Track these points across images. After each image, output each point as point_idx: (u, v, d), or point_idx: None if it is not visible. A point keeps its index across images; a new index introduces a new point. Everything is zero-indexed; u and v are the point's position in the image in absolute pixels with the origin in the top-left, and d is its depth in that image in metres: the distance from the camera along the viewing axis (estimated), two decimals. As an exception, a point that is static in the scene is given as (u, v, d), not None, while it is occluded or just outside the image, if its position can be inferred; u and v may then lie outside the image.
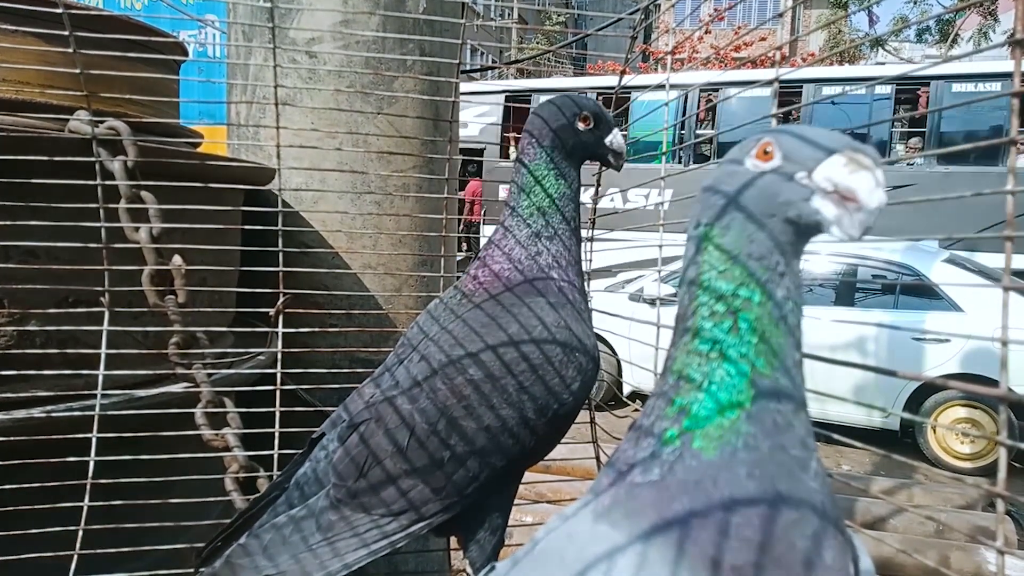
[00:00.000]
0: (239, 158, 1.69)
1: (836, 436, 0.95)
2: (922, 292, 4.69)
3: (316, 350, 1.54)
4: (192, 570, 0.97)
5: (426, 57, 1.64)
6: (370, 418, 0.93)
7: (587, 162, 1.08)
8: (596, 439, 1.63)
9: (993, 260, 5.62)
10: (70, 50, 1.14)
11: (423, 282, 1.69)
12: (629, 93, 1.68)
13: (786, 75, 7.31)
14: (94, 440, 1.11)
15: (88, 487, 1.11)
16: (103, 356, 1.16)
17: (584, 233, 1.21)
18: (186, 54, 1.68)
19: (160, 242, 1.15)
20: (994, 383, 0.64)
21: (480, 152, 9.02)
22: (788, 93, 7.44)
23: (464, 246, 9.91)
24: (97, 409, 1.11)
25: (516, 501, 1.06)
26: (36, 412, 1.07)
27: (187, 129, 1.65)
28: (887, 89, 7.21)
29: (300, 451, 1.03)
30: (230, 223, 1.45)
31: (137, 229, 1.15)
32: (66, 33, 1.13)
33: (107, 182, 1.15)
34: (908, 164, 7.07)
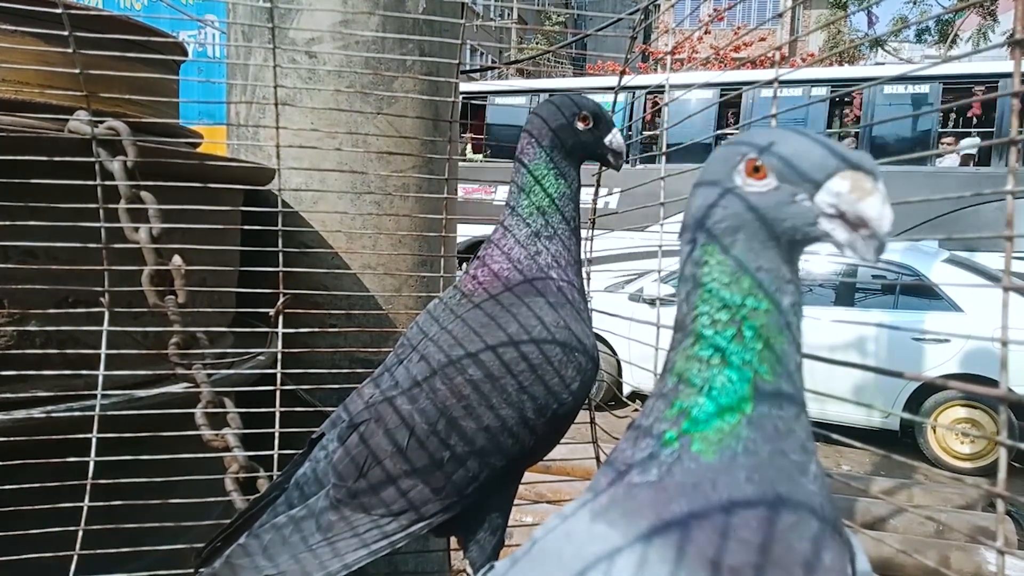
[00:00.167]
0: (239, 158, 1.69)
1: (836, 436, 0.95)
2: (922, 292, 4.69)
3: (316, 350, 1.54)
4: (192, 570, 0.97)
5: (426, 57, 1.64)
6: (370, 418, 0.93)
7: (587, 162, 1.08)
8: (596, 439, 1.63)
9: (988, 260, 5.64)
10: (70, 50, 1.14)
11: (423, 282, 1.69)
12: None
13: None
14: (94, 440, 1.11)
15: (88, 487, 1.11)
16: (103, 356, 1.16)
17: (583, 233, 1.21)
18: (186, 54, 1.68)
19: (160, 242, 1.15)
20: (994, 383, 0.63)
21: None
22: (732, 97, 7.53)
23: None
24: (97, 409, 1.11)
25: (516, 501, 1.06)
26: (36, 412, 1.07)
27: (187, 129, 1.65)
28: (823, 91, 7.31)
29: (300, 451, 1.03)
30: (230, 223, 1.44)
31: (137, 229, 1.15)
32: (66, 33, 1.13)
33: (107, 182, 1.15)
34: None
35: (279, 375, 1.30)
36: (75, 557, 1.09)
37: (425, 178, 1.66)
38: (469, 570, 0.98)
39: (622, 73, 1.70)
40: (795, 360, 0.54)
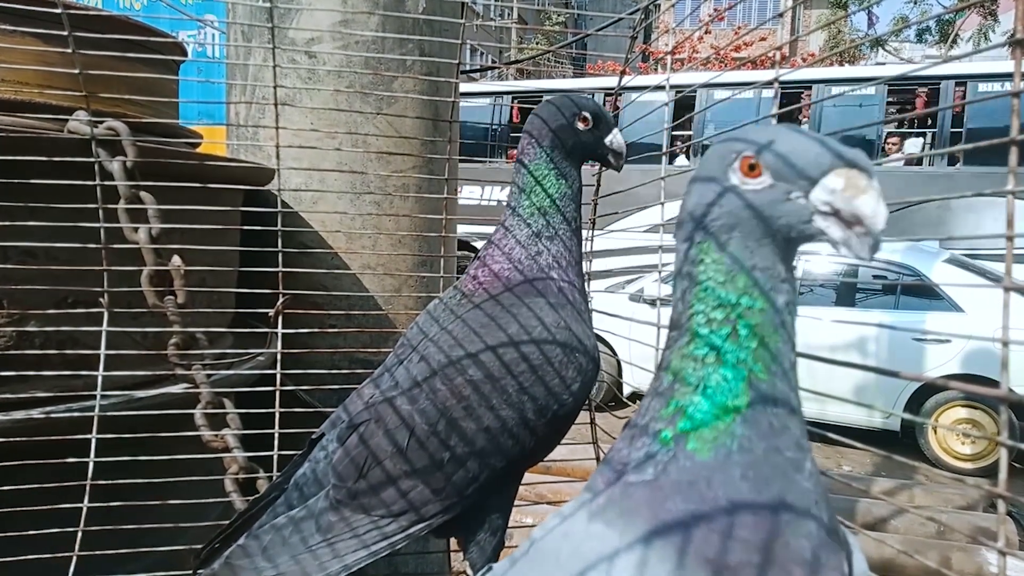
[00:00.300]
0: (238, 158, 1.69)
1: (836, 437, 0.95)
2: (923, 292, 4.69)
3: (315, 351, 1.54)
4: (191, 571, 0.97)
5: (426, 57, 1.64)
6: (369, 419, 0.93)
7: (587, 162, 1.08)
8: (596, 440, 1.63)
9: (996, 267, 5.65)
10: (69, 50, 1.14)
11: (422, 282, 1.69)
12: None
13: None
14: (93, 441, 1.11)
15: (88, 488, 1.11)
16: (102, 357, 1.16)
17: (584, 233, 1.20)
18: (185, 54, 1.68)
19: (159, 242, 1.15)
20: (995, 384, 0.63)
21: None
22: (685, 97, 7.62)
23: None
24: (96, 410, 1.11)
25: (516, 502, 1.05)
26: (35, 413, 1.07)
27: (186, 129, 1.65)
28: (769, 92, 7.41)
29: (299, 452, 1.03)
30: (229, 223, 1.44)
31: (136, 229, 1.15)
32: (65, 33, 1.12)
33: (106, 182, 1.15)
34: None
35: (279, 376, 1.30)
36: (74, 558, 1.09)
37: (425, 178, 1.66)
38: (469, 571, 0.97)
39: (622, 73, 1.69)
40: (789, 359, 0.55)
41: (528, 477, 1.09)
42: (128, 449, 1.10)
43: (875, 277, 4.85)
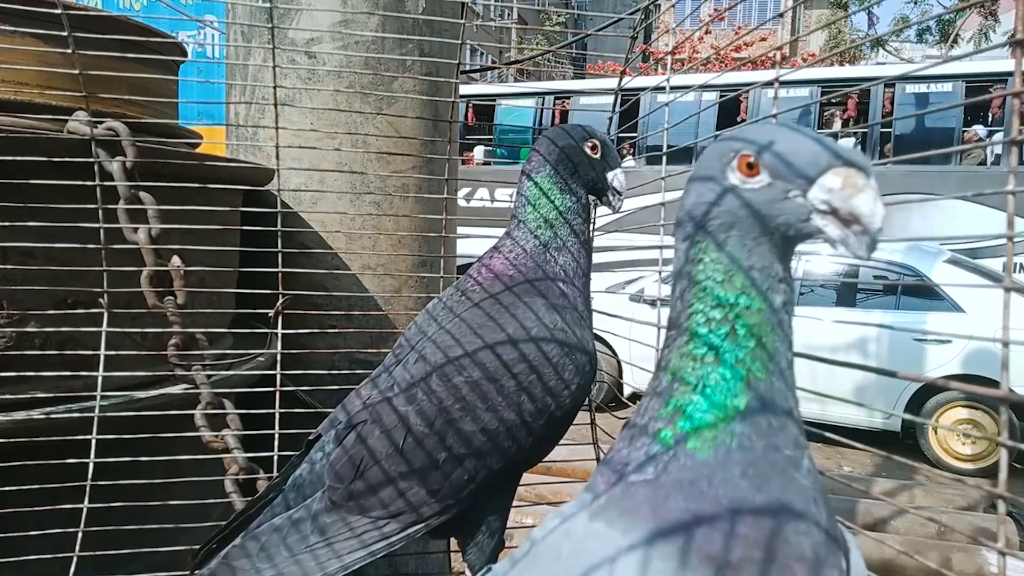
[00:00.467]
0: (238, 159, 1.69)
1: (836, 437, 0.95)
2: (923, 293, 4.69)
3: (315, 351, 1.54)
4: (189, 572, 0.97)
5: (426, 57, 1.64)
6: (367, 419, 0.93)
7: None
8: (596, 440, 1.63)
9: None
10: (69, 51, 1.14)
11: (422, 283, 1.69)
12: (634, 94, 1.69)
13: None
14: (93, 442, 1.11)
15: (88, 489, 1.11)
16: (102, 357, 1.16)
17: None
18: (185, 55, 1.68)
19: (159, 243, 1.15)
20: (995, 384, 0.63)
21: None
22: (628, 100, 7.76)
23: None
24: (96, 411, 1.11)
25: (517, 503, 1.05)
26: (35, 414, 1.07)
27: (186, 130, 1.65)
28: (712, 95, 7.57)
29: (298, 452, 1.02)
30: (229, 224, 1.44)
31: (136, 230, 1.15)
32: (65, 34, 1.13)
33: (106, 183, 1.15)
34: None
35: (279, 376, 1.30)
36: (75, 558, 1.09)
37: (425, 178, 1.66)
38: (468, 572, 0.97)
39: (622, 73, 1.69)
40: (787, 357, 0.55)
41: (528, 477, 1.09)
42: (128, 450, 1.10)
43: (876, 277, 4.85)
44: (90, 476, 1.11)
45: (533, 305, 0.95)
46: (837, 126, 7.96)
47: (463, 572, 1.01)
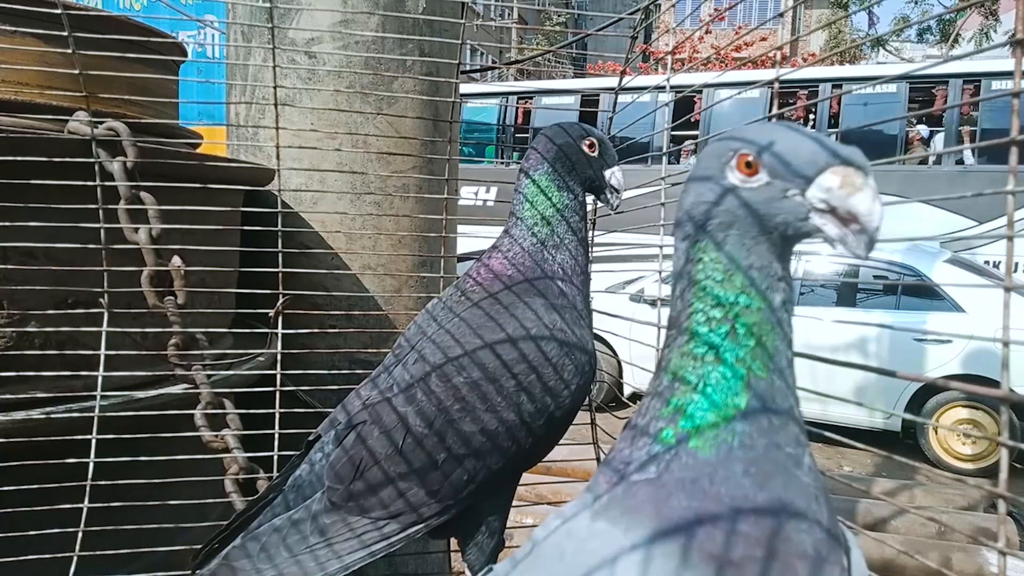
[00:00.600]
0: (238, 159, 1.69)
1: (837, 437, 0.95)
2: (924, 293, 4.69)
3: (315, 351, 1.54)
4: (189, 572, 0.97)
5: (426, 57, 1.64)
6: (367, 419, 0.93)
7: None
8: (596, 440, 1.63)
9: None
10: (69, 51, 1.14)
11: (422, 283, 1.69)
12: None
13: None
14: (93, 441, 1.11)
15: (88, 488, 1.11)
16: (102, 357, 1.16)
17: None
18: (185, 55, 1.68)
19: (159, 243, 1.15)
20: (996, 384, 0.63)
21: None
22: (590, 102, 8.01)
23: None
24: (96, 410, 1.11)
25: (517, 502, 1.05)
26: (35, 413, 1.07)
27: (186, 130, 1.65)
28: (666, 97, 7.62)
29: (298, 453, 1.02)
30: (229, 224, 1.44)
31: (136, 230, 1.15)
32: (65, 34, 1.13)
33: (106, 183, 1.15)
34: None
35: (279, 376, 1.30)
36: (75, 558, 1.09)
37: (425, 178, 1.66)
38: (468, 572, 0.97)
39: (622, 73, 1.69)
40: (786, 356, 0.55)
41: (528, 477, 1.09)
42: (128, 450, 1.10)
43: (876, 277, 4.85)
44: (90, 476, 1.11)
45: (533, 305, 0.95)
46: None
47: (463, 572, 1.01)
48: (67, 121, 1.18)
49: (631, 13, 1.70)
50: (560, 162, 1.02)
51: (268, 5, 1.35)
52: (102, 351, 1.16)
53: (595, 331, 1.06)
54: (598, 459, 1.62)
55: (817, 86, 7.23)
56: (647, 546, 0.51)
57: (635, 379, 5.05)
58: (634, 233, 1.53)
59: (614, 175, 1.06)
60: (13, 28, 1.21)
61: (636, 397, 5.29)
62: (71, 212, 1.12)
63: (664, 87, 1.44)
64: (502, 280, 0.99)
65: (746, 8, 22.77)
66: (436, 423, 0.89)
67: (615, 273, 5.89)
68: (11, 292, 1.11)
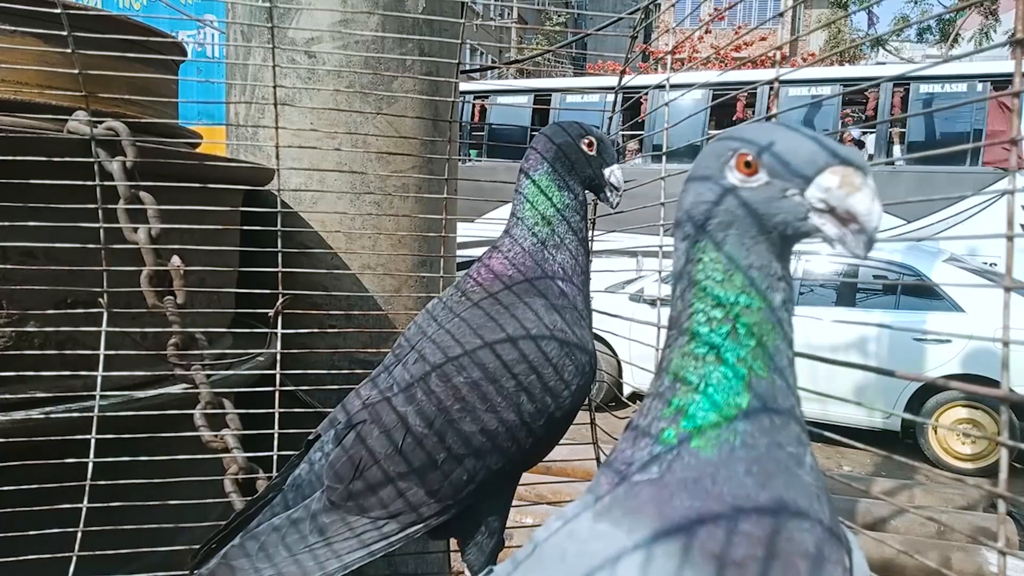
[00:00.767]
0: (238, 158, 1.69)
1: (836, 437, 0.95)
2: (923, 292, 4.69)
3: (315, 351, 1.53)
4: (189, 571, 0.97)
5: (425, 57, 1.64)
6: (367, 419, 0.93)
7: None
8: (596, 440, 1.63)
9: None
10: (69, 50, 1.14)
11: (422, 283, 1.69)
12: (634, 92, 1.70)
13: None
14: (93, 441, 1.11)
15: (87, 488, 1.11)
16: (101, 357, 1.16)
17: None
18: (185, 54, 1.68)
19: (159, 243, 1.15)
20: (995, 384, 0.63)
21: None
22: (542, 100, 8.34)
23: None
24: (96, 410, 1.11)
25: (516, 502, 1.05)
26: (34, 413, 1.07)
27: (186, 129, 1.65)
28: (595, 96, 8.05)
29: (298, 452, 1.02)
30: (229, 223, 1.44)
31: (136, 230, 1.15)
32: (65, 33, 1.12)
33: (106, 182, 1.15)
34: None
35: (278, 376, 1.30)
36: (74, 558, 1.09)
37: (425, 178, 1.66)
38: (468, 572, 0.97)
39: (622, 73, 1.69)
40: (787, 356, 0.55)
41: (528, 477, 1.09)
42: (128, 449, 1.10)
43: (876, 277, 4.85)
44: (89, 476, 1.11)
45: (533, 305, 0.95)
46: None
47: (462, 572, 1.01)
48: (67, 121, 1.18)
49: (631, 13, 1.70)
50: (559, 162, 1.02)
51: (268, 5, 1.35)
52: (101, 351, 1.16)
53: (595, 331, 1.06)
54: (598, 459, 1.61)
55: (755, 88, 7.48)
56: (650, 547, 0.51)
57: (635, 379, 5.05)
58: (631, 233, 1.54)
59: (613, 173, 1.06)
60: (13, 28, 1.21)
61: (636, 397, 5.30)
62: (71, 212, 1.12)
63: (664, 86, 1.44)
64: (502, 280, 0.99)
65: (746, 8, 22.77)
66: (436, 423, 0.89)
67: (614, 273, 5.90)
68: (11, 292, 1.11)
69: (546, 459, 1.02)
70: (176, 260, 1.15)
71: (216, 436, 1.14)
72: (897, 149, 7.62)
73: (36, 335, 1.14)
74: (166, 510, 1.14)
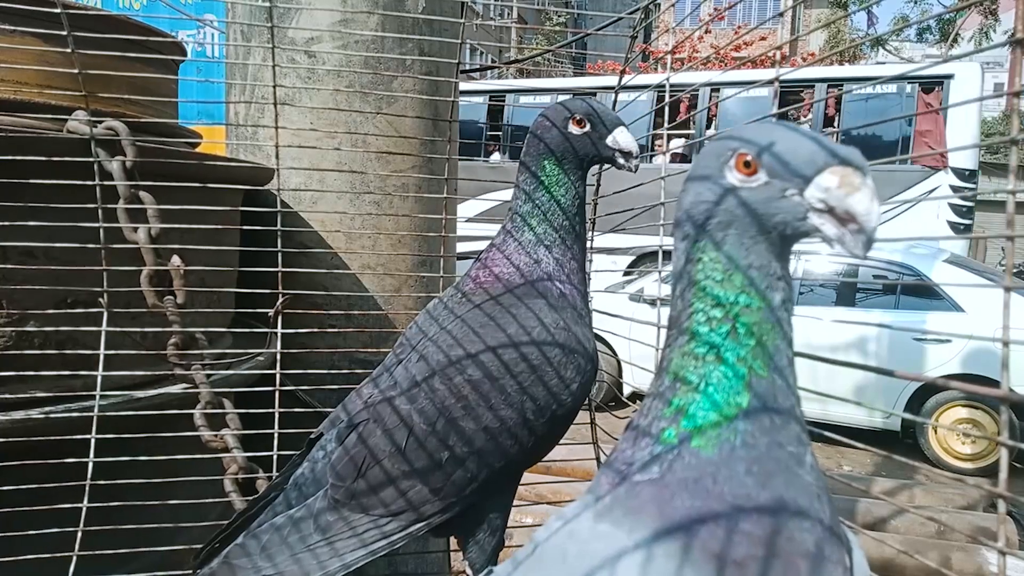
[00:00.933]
0: (238, 158, 1.69)
1: (837, 436, 0.95)
2: (923, 292, 4.69)
3: (315, 351, 1.53)
4: (190, 571, 0.97)
5: (425, 57, 1.64)
6: (368, 418, 0.93)
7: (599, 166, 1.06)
8: (596, 440, 1.63)
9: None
10: (68, 50, 1.14)
11: (422, 282, 1.69)
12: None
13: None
14: (92, 441, 1.11)
15: (87, 488, 1.11)
16: (101, 357, 1.16)
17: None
18: (184, 54, 1.68)
19: (159, 242, 1.15)
20: (995, 383, 0.63)
21: None
22: (497, 99, 8.74)
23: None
24: (96, 410, 1.11)
25: (516, 502, 1.05)
26: (34, 413, 1.07)
27: (186, 129, 1.65)
28: (546, 98, 8.39)
29: (299, 452, 1.02)
30: (229, 223, 1.44)
31: (136, 229, 1.15)
32: (64, 33, 1.12)
33: (105, 182, 1.15)
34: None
35: (278, 376, 1.30)
36: (74, 558, 1.09)
37: (425, 178, 1.66)
38: (469, 571, 0.97)
39: (622, 73, 1.69)
40: (787, 355, 0.55)
41: (528, 477, 1.09)
42: (127, 449, 1.10)
43: (875, 277, 4.85)
44: (89, 475, 1.11)
45: (533, 305, 0.95)
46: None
47: (463, 571, 1.01)
48: (66, 120, 1.18)
49: (631, 13, 1.70)
50: (552, 156, 0.99)
51: (268, 4, 1.35)
52: (101, 351, 1.16)
53: (595, 331, 1.06)
54: (598, 459, 1.61)
55: (697, 90, 7.70)
56: (651, 547, 0.51)
57: (635, 379, 5.05)
58: (627, 234, 1.54)
59: (617, 138, 0.99)
60: (13, 28, 1.21)
61: (636, 397, 5.31)
62: (70, 211, 1.12)
63: (664, 85, 1.44)
64: (502, 280, 0.99)
65: (746, 8, 22.77)
66: (438, 422, 0.89)
67: (613, 273, 5.90)
68: (10, 292, 1.11)
69: (546, 459, 1.02)
70: (176, 260, 1.15)
71: (216, 436, 1.14)
72: None
73: (36, 335, 1.14)
74: (166, 510, 1.14)
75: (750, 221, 0.54)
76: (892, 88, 7.45)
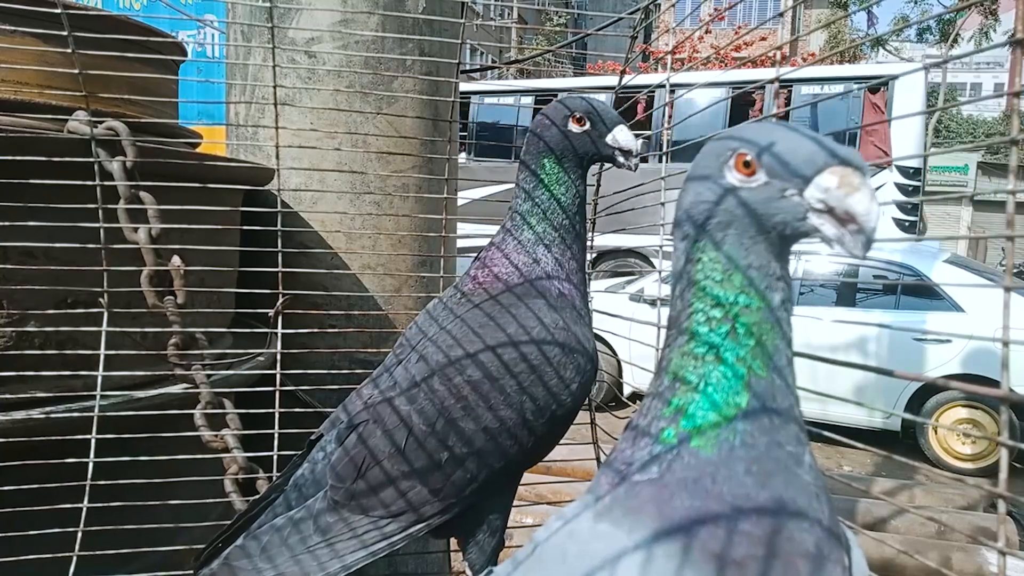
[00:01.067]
0: (238, 158, 1.69)
1: (836, 436, 0.95)
2: (923, 292, 4.69)
3: (315, 351, 1.54)
4: (191, 572, 0.97)
5: (425, 57, 1.64)
6: (368, 419, 0.93)
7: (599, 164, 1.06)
8: (596, 440, 1.63)
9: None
10: (69, 50, 1.14)
11: (422, 282, 1.69)
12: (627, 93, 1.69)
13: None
14: (93, 441, 1.11)
15: (87, 488, 1.11)
16: (102, 357, 1.16)
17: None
18: (185, 54, 1.68)
19: (159, 242, 1.15)
20: (995, 384, 0.63)
21: None
22: (464, 101, 8.97)
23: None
24: (96, 410, 1.11)
25: (516, 502, 1.05)
26: (35, 413, 1.07)
27: (186, 129, 1.65)
28: (528, 99, 8.49)
29: (299, 452, 1.02)
30: (229, 223, 1.44)
31: (136, 229, 1.15)
32: (65, 33, 1.12)
33: (106, 182, 1.15)
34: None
35: (278, 376, 1.30)
36: (74, 558, 1.09)
37: (425, 178, 1.66)
38: (468, 572, 0.97)
39: (622, 73, 1.69)
40: (787, 355, 0.55)
41: (528, 477, 1.09)
42: (128, 449, 1.10)
43: (876, 277, 4.85)
44: (89, 476, 1.11)
45: (533, 305, 0.95)
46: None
47: (463, 572, 1.01)
48: (67, 121, 1.18)
49: (631, 13, 1.70)
50: (552, 155, 0.98)
51: (268, 5, 1.35)
52: (102, 351, 1.16)
53: (595, 331, 1.05)
54: (598, 459, 1.62)
55: (654, 91, 7.80)
56: (651, 548, 0.51)
57: (635, 379, 5.05)
58: (625, 233, 1.54)
59: (618, 136, 0.98)
60: (13, 28, 1.21)
61: (636, 397, 5.31)
62: (70, 212, 1.12)
63: (664, 85, 1.44)
64: (502, 280, 0.99)
65: (746, 8, 22.76)
66: (438, 423, 0.89)
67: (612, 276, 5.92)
68: (11, 292, 1.11)
69: (546, 459, 1.02)
70: (176, 260, 1.15)
71: (216, 436, 1.14)
72: None
73: (36, 335, 1.14)
74: (166, 510, 1.14)
75: (750, 221, 0.54)
76: (839, 88, 7.58)
